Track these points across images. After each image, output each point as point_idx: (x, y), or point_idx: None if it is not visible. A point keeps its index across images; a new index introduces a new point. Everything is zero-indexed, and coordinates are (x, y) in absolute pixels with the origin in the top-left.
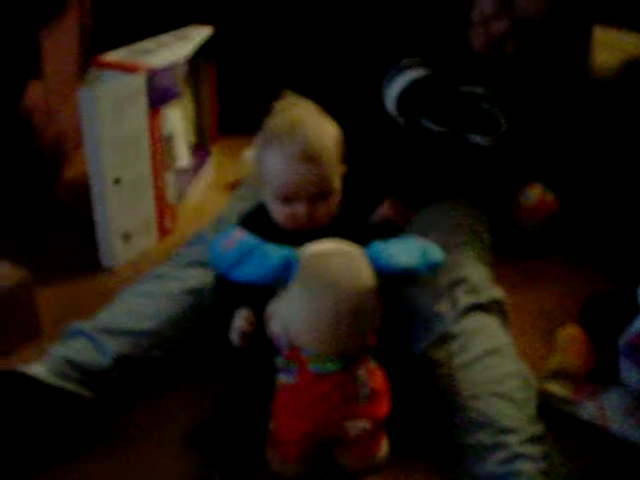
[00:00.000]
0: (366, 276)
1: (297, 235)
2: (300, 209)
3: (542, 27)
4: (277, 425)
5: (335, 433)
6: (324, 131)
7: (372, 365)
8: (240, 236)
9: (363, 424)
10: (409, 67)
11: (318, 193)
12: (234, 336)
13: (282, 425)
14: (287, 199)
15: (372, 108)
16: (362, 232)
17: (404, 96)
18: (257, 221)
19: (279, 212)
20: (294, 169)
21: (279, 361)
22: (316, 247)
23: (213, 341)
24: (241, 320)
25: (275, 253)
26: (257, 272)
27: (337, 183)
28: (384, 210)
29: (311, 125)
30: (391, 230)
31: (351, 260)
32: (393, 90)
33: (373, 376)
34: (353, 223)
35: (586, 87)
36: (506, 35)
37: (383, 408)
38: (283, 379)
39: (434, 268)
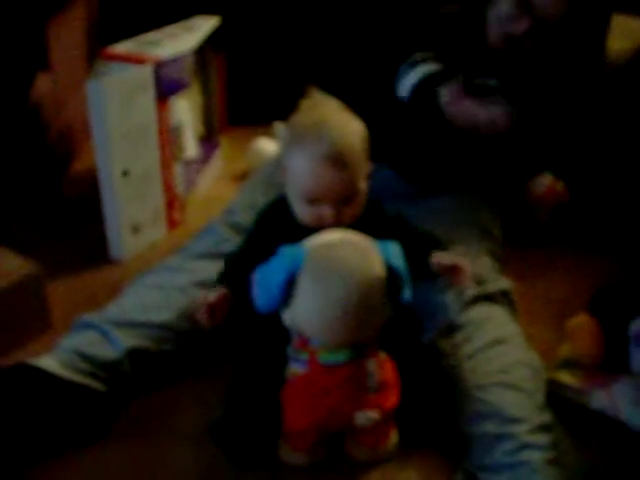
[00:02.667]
0: (375, 266)
1: (317, 230)
2: (326, 211)
3: (561, 25)
4: (287, 415)
5: (344, 424)
6: (350, 130)
7: (382, 357)
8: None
9: (372, 414)
10: (421, 61)
11: (344, 196)
12: (197, 307)
13: (292, 415)
14: (312, 201)
15: (385, 101)
16: (384, 228)
17: (417, 90)
18: (276, 216)
19: (304, 213)
20: (320, 173)
21: (289, 350)
22: (323, 238)
23: (225, 333)
24: (212, 294)
25: (277, 272)
26: (265, 300)
27: (363, 183)
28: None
29: (337, 125)
30: None
31: (359, 250)
32: (406, 84)
33: (383, 368)
34: (376, 219)
35: (602, 78)
36: (525, 35)
37: (392, 399)
38: (293, 369)
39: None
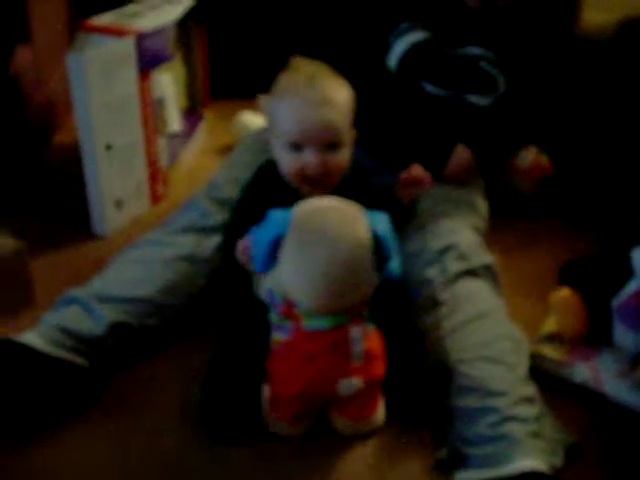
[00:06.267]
0: (360, 233)
1: (305, 195)
2: (310, 157)
3: None
4: (272, 383)
5: (329, 392)
6: (340, 84)
7: (368, 328)
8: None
9: (355, 382)
10: (408, 30)
11: (330, 140)
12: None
13: (277, 383)
14: (298, 146)
15: (369, 72)
16: (370, 196)
17: (404, 60)
18: (267, 179)
19: (288, 162)
20: (308, 112)
21: (274, 318)
22: (310, 203)
23: (210, 304)
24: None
25: (265, 234)
26: (258, 261)
27: (348, 138)
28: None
29: (329, 77)
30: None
31: (346, 216)
32: (394, 54)
33: (368, 337)
34: (362, 187)
35: (578, 44)
36: None
37: (378, 369)
38: (277, 336)
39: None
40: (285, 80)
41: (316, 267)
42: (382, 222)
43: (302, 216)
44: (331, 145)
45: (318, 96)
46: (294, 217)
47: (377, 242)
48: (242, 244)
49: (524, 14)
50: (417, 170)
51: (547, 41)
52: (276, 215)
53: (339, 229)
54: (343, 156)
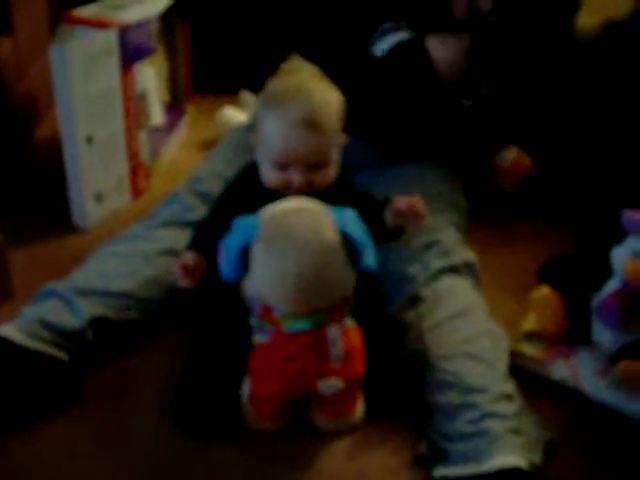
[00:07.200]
0: (328, 233)
1: (286, 196)
2: (294, 177)
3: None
4: (252, 383)
5: (308, 390)
6: (329, 98)
7: (348, 325)
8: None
9: (335, 383)
10: (392, 30)
11: (315, 162)
12: (174, 268)
13: (257, 383)
14: (282, 165)
15: (356, 63)
16: (354, 201)
17: (387, 58)
18: (246, 182)
19: (272, 177)
20: (294, 135)
21: (254, 322)
22: (276, 207)
23: (190, 301)
24: (186, 255)
25: (233, 242)
26: (227, 269)
27: (335, 153)
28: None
29: (316, 92)
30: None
31: (311, 218)
32: (377, 52)
33: (348, 336)
34: (346, 191)
35: (571, 50)
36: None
37: (357, 368)
38: (258, 339)
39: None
40: (274, 88)
41: (285, 272)
42: (349, 218)
43: (267, 222)
44: (317, 165)
45: (306, 115)
46: (260, 223)
47: (346, 239)
48: (180, 261)
49: (518, 22)
50: (416, 203)
51: (543, 47)
52: (242, 222)
53: (306, 232)
54: (329, 173)
